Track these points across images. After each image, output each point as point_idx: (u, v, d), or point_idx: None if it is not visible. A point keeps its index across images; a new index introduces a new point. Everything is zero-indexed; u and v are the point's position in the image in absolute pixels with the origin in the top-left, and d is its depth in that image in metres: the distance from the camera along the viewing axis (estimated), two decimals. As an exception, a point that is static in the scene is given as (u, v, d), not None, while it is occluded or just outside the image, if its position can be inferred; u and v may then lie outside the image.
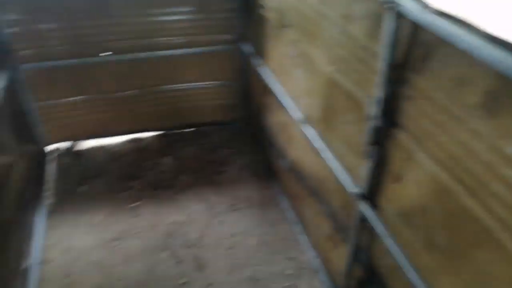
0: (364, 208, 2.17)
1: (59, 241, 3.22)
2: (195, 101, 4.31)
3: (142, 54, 3.78)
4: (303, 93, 2.78)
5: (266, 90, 3.52)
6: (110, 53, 3.68)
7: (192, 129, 4.46)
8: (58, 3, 3.33)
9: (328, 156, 2.50)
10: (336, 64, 2.30)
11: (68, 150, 4.10)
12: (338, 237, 2.66)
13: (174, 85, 4.13)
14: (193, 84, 4.17)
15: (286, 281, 2.97)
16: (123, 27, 3.60)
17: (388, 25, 1.71)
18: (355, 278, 2.54)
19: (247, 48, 3.76)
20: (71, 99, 3.86)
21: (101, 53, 3.68)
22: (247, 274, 3.01)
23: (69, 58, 3.60)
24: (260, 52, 3.54)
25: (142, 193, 3.69)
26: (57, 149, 4.10)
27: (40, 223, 3.30)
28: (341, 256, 2.63)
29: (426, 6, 1.52)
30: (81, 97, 3.88)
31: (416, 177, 1.83)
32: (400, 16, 1.66)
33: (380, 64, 1.82)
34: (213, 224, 3.40)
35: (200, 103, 4.34)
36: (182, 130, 4.43)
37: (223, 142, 4.29)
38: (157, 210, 3.53)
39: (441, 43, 1.50)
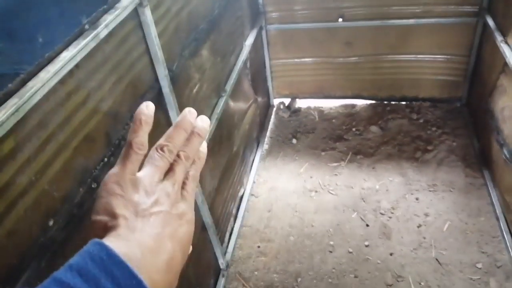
0: None
1: (267, 181, 3.76)
2: (415, 74, 4.16)
3: (374, 22, 3.83)
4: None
5: (502, 70, 3.14)
6: (341, 20, 3.89)
7: (406, 102, 4.36)
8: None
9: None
10: None
11: (288, 106, 4.62)
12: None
13: (398, 56, 4.06)
14: (417, 56, 4.03)
15: (475, 274, 2.75)
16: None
17: None
18: None
19: (489, 21, 3.38)
20: (299, 60, 4.30)
21: (336, 19, 3.91)
22: (432, 255, 2.91)
23: (307, 22, 3.97)
24: (503, 26, 3.14)
25: (344, 155, 3.91)
26: (279, 103, 4.68)
27: (256, 162, 3.92)
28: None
29: None
30: (308, 59, 4.27)
31: None
32: None
33: None
34: (407, 199, 3.36)
35: (421, 76, 4.17)
36: (395, 102, 4.39)
37: (435, 120, 4.06)
38: (355, 174, 3.69)
39: None
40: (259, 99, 4.11)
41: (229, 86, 2.96)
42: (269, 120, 4.48)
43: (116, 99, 1.60)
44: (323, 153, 3.97)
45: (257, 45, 3.94)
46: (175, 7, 2.14)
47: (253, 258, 3.11)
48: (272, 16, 3.99)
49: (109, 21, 1.49)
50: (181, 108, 2.14)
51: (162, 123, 2.04)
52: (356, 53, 4.11)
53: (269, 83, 4.49)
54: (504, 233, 2.93)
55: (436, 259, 2.88)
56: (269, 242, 3.20)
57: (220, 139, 2.91)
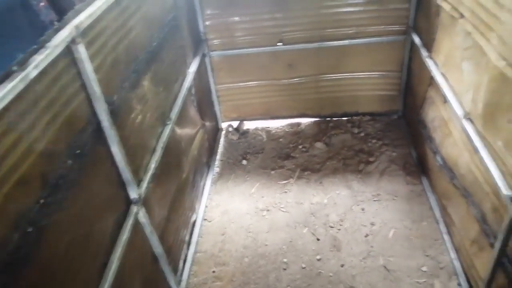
0: (515, 214, 2.00)
1: (220, 204, 3.78)
2: (354, 91, 4.40)
3: (312, 45, 4.04)
4: (468, 87, 2.62)
5: (430, 83, 3.39)
6: (281, 44, 4.05)
7: (347, 118, 4.57)
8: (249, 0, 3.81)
9: (485, 155, 2.34)
10: (509, 58, 2.12)
11: (236, 128, 4.69)
12: (484, 241, 2.47)
13: (337, 75, 4.29)
14: (355, 74, 4.27)
15: (421, 277, 2.90)
16: (298, 19, 3.90)
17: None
18: (497, 287, 2.34)
19: (415, 38, 3.66)
20: (244, 83, 4.41)
21: (276, 43, 4.06)
22: (380, 263, 3.04)
23: (248, 47, 4.09)
24: (428, 43, 3.41)
25: (292, 172, 4.01)
26: (228, 126, 4.74)
27: (207, 186, 3.93)
28: (485, 262, 2.44)
29: None
30: (253, 82, 4.39)
31: None
32: None
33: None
34: (354, 210, 3.50)
35: (359, 93, 4.41)
36: (338, 118, 4.58)
37: (376, 133, 4.29)
38: (304, 190, 3.80)
39: None
40: (207, 123, 4.15)
41: (174, 114, 2.98)
42: (219, 144, 4.52)
43: (50, 138, 1.58)
44: (272, 172, 4.06)
45: (201, 72, 3.99)
46: (112, 41, 2.16)
47: (208, 284, 3.09)
48: (214, 43, 4.08)
49: (39, 61, 1.49)
50: (123, 141, 2.14)
51: (103, 157, 2.03)
52: (298, 75, 4.29)
53: (216, 108, 4.55)
54: (444, 235, 3.13)
55: (384, 267, 3.01)
56: (224, 266, 3.20)
57: (168, 167, 2.91)
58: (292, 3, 3.81)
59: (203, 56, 4.02)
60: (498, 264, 2.29)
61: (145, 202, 2.38)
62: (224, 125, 4.77)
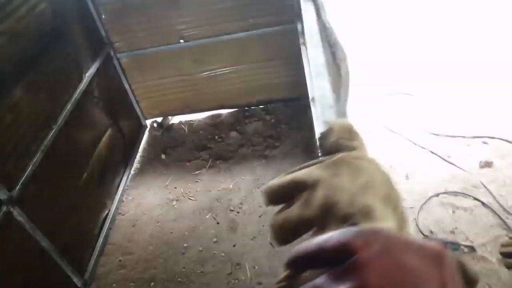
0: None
1: (135, 198, 4.01)
2: (264, 80, 4.58)
3: (211, 40, 4.22)
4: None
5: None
6: (182, 41, 4.25)
7: (263, 106, 4.79)
8: (141, 2, 4.01)
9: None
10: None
11: (160, 124, 4.90)
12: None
13: (243, 66, 4.48)
14: (261, 63, 4.47)
15: (298, 250, 3.15)
16: (192, 16, 4.08)
17: None
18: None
19: (298, 26, 3.87)
20: (158, 81, 4.61)
21: (178, 41, 4.28)
22: (268, 240, 3.28)
23: (153, 47, 4.29)
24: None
25: (206, 162, 4.24)
26: (152, 122, 4.94)
27: (123, 183, 4.14)
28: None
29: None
30: (165, 79, 4.58)
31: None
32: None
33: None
34: (254, 193, 3.74)
35: (270, 81, 4.59)
36: (254, 107, 4.80)
37: (285, 118, 4.52)
38: (214, 178, 4.03)
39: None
40: (123, 122, 4.34)
41: (61, 118, 3.18)
42: (141, 141, 4.72)
43: None
44: (188, 163, 4.28)
45: (108, 74, 4.17)
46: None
47: (113, 272, 3.33)
48: (120, 45, 4.26)
49: None
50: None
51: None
52: (205, 69, 4.48)
53: (136, 106, 4.74)
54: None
55: (271, 243, 3.26)
56: (130, 255, 3.44)
57: (57, 168, 3.10)
58: (182, 1, 3.98)
59: (109, 58, 4.19)
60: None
61: (21, 202, 2.59)
62: (149, 121, 4.97)
